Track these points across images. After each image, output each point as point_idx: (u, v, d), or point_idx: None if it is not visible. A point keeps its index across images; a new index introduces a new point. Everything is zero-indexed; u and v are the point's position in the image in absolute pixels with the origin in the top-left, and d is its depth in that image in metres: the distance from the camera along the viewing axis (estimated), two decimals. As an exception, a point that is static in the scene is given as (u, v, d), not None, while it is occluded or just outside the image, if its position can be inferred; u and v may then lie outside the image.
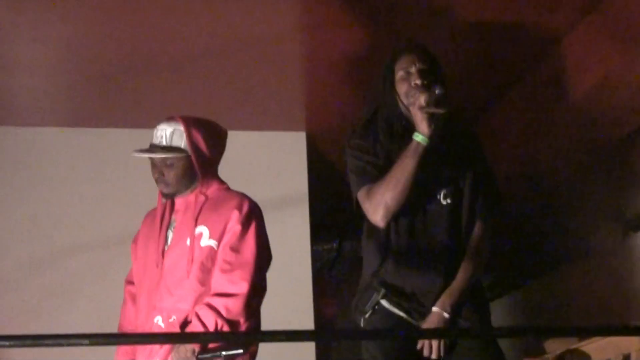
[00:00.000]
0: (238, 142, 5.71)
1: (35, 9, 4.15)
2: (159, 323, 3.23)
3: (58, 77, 4.83)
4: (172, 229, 3.39)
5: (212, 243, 3.29)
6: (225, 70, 4.80)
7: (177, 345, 3.13)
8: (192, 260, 3.26)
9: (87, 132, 5.36)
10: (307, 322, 5.23)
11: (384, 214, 3.05)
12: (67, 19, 4.26)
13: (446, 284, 3.12)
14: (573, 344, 4.70)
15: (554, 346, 4.89)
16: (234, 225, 3.32)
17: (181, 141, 3.37)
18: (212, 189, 3.43)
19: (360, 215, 3.19)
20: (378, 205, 3.05)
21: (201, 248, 3.29)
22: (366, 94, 3.34)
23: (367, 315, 3.16)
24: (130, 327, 3.41)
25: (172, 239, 3.36)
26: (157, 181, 3.42)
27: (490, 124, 5.38)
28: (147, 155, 3.40)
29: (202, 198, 3.39)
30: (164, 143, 3.37)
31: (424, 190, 3.10)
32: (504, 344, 3.24)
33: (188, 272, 3.26)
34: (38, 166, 5.31)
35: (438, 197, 3.15)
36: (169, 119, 3.44)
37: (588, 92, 4.59)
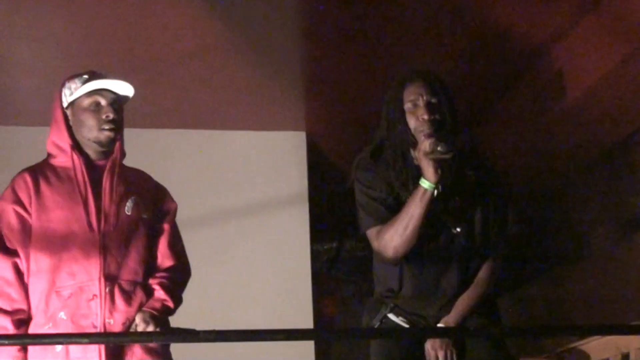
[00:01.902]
0: (238, 142, 5.75)
1: (34, 9, 4.16)
2: (113, 291, 3.04)
3: (57, 77, 4.81)
4: (97, 193, 3.14)
5: (146, 215, 3.18)
6: (226, 70, 4.81)
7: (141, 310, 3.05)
8: (135, 230, 3.14)
9: (87, 132, 5.36)
10: (306, 322, 5.23)
11: (394, 256, 3.07)
12: (66, 19, 4.27)
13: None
14: (572, 342, 4.71)
15: (554, 345, 4.90)
16: (172, 205, 3.27)
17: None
18: (122, 159, 3.25)
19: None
20: (387, 248, 3.06)
21: (142, 219, 3.16)
22: (379, 118, 3.26)
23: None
24: (25, 307, 3.03)
25: (106, 205, 3.13)
26: (104, 123, 3.17)
27: (490, 125, 5.38)
28: (112, 82, 3.21)
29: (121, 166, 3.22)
30: (122, 83, 3.21)
31: (435, 219, 3.08)
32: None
33: (134, 243, 3.13)
34: (38, 166, 5.31)
35: (449, 225, 3.14)
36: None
37: (588, 92, 4.59)
